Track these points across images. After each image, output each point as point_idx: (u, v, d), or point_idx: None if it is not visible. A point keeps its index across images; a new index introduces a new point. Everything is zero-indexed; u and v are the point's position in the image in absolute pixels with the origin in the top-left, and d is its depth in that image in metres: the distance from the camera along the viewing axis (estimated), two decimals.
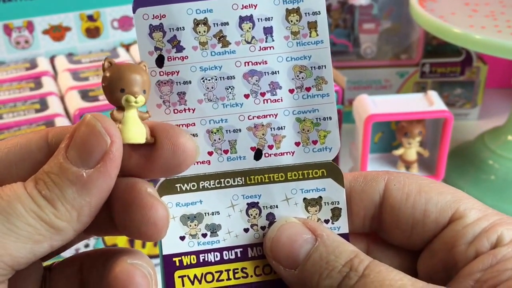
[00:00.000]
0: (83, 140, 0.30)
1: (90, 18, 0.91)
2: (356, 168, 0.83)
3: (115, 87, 0.32)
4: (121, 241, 0.75)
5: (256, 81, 0.33)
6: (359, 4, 1.09)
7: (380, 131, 0.85)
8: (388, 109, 0.78)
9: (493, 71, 1.16)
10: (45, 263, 0.36)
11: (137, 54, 0.91)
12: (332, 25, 1.12)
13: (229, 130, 0.34)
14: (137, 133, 0.32)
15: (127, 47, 0.95)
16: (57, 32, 0.91)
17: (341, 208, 0.35)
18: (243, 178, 0.34)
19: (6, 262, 0.29)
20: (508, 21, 0.90)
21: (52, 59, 0.92)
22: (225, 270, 0.35)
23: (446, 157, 0.81)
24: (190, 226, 0.35)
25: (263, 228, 0.35)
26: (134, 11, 0.32)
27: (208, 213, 0.34)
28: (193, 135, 0.34)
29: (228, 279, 0.35)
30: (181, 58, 0.33)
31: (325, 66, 0.33)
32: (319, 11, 0.33)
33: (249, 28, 0.33)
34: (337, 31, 1.12)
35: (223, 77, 0.33)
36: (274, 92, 0.33)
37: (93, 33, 0.93)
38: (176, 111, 0.33)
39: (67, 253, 0.38)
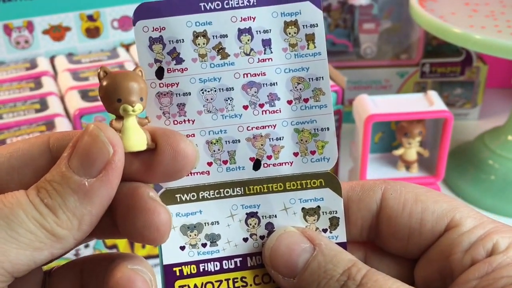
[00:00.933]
0: (85, 149, 0.31)
1: (90, 18, 0.92)
2: (356, 168, 0.83)
3: (112, 97, 0.32)
4: (121, 241, 0.75)
5: (255, 92, 0.33)
6: (359, 4, 1.09)
7: (380, 131, 0.86)
8: (388, 109, 0.79)
9: (493, 71, 1.16)
10: (44, 268, 0.36)
11: (137, 54, 0.92)
12: (332, 25, 1.12)
13: (228, 141, 0.34)
14: (138, 141, 0.32)
15: (127, 47, 0.95)
16: (57, 32, 0.91)
17: (339, 218, 0.35)
18: (242, 188, 0.34)
19: (6, 268, 0.29)
20: (508, 21, 0.90)
21: (52, 59, 0.92)
22: (225, 280, 0.35)
23: (446, 157, 0.81)
24: (190, 236, 0.35)
25: (262, 237, 0.35)
26: (134, 24, 0.32)
27: (207, 223, 0.35)
28: None
29: None
30: (181, 70, 0.33)
31: (322, 77, 0.33)
32: (316, 24, 0.33)
33: (248, 40, 0.33)
34: (337, 31, 1.12)
35: (222, 89, 0.33)
36: (272, 103, 0.33)
37: (93, 33, 0.93)
38: (176, 122, 0.34)
39: (68, 254, 0.39)
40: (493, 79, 1.20)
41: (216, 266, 0.35)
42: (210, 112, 0.33)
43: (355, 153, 0.85)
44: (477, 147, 1.00)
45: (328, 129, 0.34)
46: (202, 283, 0.35)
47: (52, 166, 0.32)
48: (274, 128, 0.34)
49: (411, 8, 0.95)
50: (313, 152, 0.34)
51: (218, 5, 0.32)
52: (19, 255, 0.30)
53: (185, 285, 0.35)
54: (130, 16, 0.94)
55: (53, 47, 0.92)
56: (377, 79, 1.13)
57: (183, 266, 0.35)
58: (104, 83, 0.32)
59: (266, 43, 0.33)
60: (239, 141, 0.34)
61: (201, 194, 0.34)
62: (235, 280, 0.35)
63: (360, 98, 0.82)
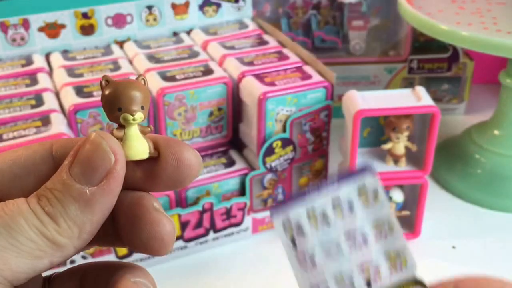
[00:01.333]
0: (87, 157, 0.30)
1: (85, 15, 0.92)
2: (346, 162, 0.84)
3: (113, 106, 0.32)
4: None
5: (354, 240, 0.41)
6: (348, 1, 1.10)
7: (369, 126, 0.86)
8: (376, 104, 0.79)
9: (479, 67, 1.17)
10: (44, 274, 0.36)
11: (130, 50, 0.93)
12: (322, 22, 1.14)
13: (348, 275, 0.41)
14: (140, 150, 0.32)
15: (120, 44, 0.96)
16: (52, 30, 0.92)
17: None
18: None
19: (6, 277, 0.29)
20: (494, 18, 0.91)
21: (47, 56, 0.93)
22: None
23: (433, 151, 0.82)
24: None
25: None
26: (272, 218, 0.37)
27: None
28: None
29: None
30: (306, 240, 0.40)
31: (389, 220, 0.41)
32: (377, 188, 0.41)
33: (340, 209, 0.41)
34: (327, 28, 1.13)
35: (334, 244, 0.41)
36: (367, 244, 0.41)
37: (87, 30, 0.94)
38: (311, 271, 0.40)
39: None
40: (479, 75, 1.21)
41: None
42: (331, 260, 0.40)
43: (344, 148, 0.86)
44: (464, 141, 1.02)
45: (404, 248, 0.41)
46: None
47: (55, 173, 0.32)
48: (372, 259, 0.41)
49: (399, 5, 0.96)
50: (401, 267, 0.42)
51: (318, 193, 0.39)
52: (19, 263, 0.29)
53: None
54: (124, 13, 0.95)
55: (49, 44, 0.92)
56: (366, 75, 1.14)
57: None
58: (106, 92, 0.32)
59: (351, 208, 0.40)
60: (353, 272, 0.41)
61: None
62: None
63: (349, 94, 0.83)
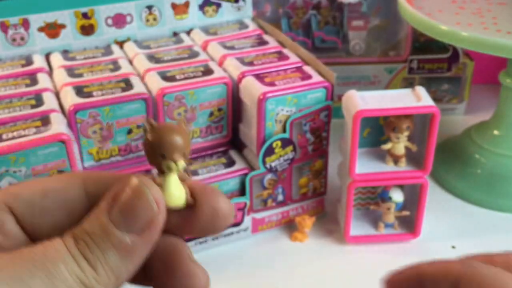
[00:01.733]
0: (130, 205, 0.30)
1: (85, 15, 0.92)
2: (346, 162, 0.84)
3: (156, 152, 0.32)
4: None
5: None
6: (348, 1, 1.10)
7: (369, 126, 0.86)
8: (376, 104, 0.79)
9: (479, 67, 1.18)
10: None
11: (130, 50, 0.93)
12: (322, 22, 1.14)
13: None
14: (179, 198, 0.32)
15: (120, 44, 0.96)
16: (52, 30, 0.92)
17: None
18: None
19: None
20: (494, 18, 0.91)
21: (47, 56, 0.92)
22: None
23: (433, 151, 0.82)
24: None
25: None
26: None
27: None
28: None
29: None
30: None
31: None
32: None
33: None
34: (327, 28, 1.14)
35: None
36: None
37: (87, 30, 0.94)
38: None
39: None
40: (479, 75, 1.21)
41: None
42: None
43: (344, 148, 0.86)
44: (464, 141, 1.02)
45: None
46: None
47: (87, 210, 0.31)
48: None
49: (399, 5, 0.96)
50: None
51: None
52: None
53: None
54: (124, 13, 0.95)
55: (49, 44, 0.92)
56: (366, 75, 1.15)
57: None
58: (149, 137, 0.32)
59: None
60: None
61: None
62: None
63: (349, 94, 0.83)
